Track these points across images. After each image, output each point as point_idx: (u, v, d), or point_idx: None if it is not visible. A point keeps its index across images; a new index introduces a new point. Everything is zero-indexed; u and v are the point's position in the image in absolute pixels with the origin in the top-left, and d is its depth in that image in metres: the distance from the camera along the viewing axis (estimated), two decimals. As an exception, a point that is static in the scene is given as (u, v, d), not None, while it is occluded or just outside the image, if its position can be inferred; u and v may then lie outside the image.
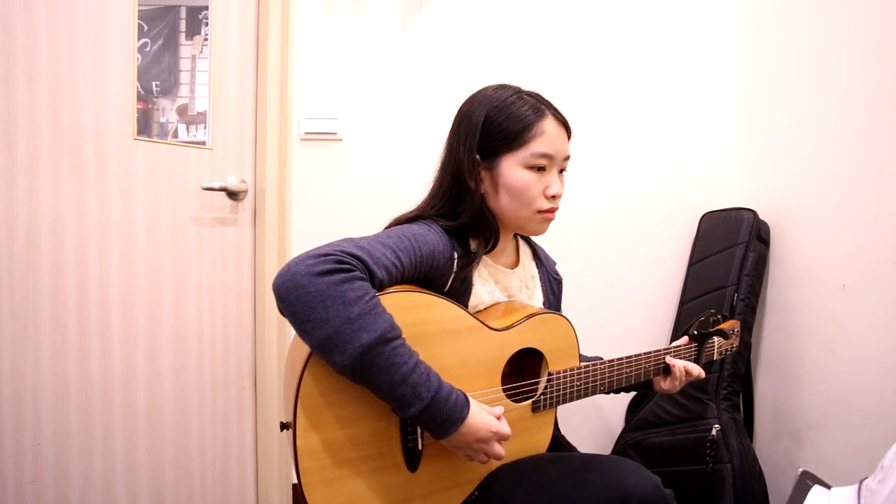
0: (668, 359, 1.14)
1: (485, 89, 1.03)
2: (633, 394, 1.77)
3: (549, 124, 0.99)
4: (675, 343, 1.19)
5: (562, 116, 1.02)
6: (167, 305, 1.43)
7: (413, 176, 1.53)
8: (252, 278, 1.61)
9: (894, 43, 1.30)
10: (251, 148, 1.60)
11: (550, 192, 1.00)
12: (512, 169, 0.98)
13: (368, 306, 0.79)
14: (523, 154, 0.97)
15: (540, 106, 0.99)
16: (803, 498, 1.03)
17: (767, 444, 1.66)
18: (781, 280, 1.63)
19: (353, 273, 0.80)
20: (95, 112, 1.29)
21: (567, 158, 1.03)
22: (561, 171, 1.03)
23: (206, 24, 1.51)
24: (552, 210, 1.01)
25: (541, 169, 0.99)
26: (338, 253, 0.81)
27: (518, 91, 1.01)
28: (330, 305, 0.77)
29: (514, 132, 0.97)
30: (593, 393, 1.07)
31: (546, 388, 1.02)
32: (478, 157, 0.98)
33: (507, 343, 0.98)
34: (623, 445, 1.70)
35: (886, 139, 1.31)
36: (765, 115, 1.74)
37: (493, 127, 0.98)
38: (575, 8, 1.76)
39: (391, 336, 0.80)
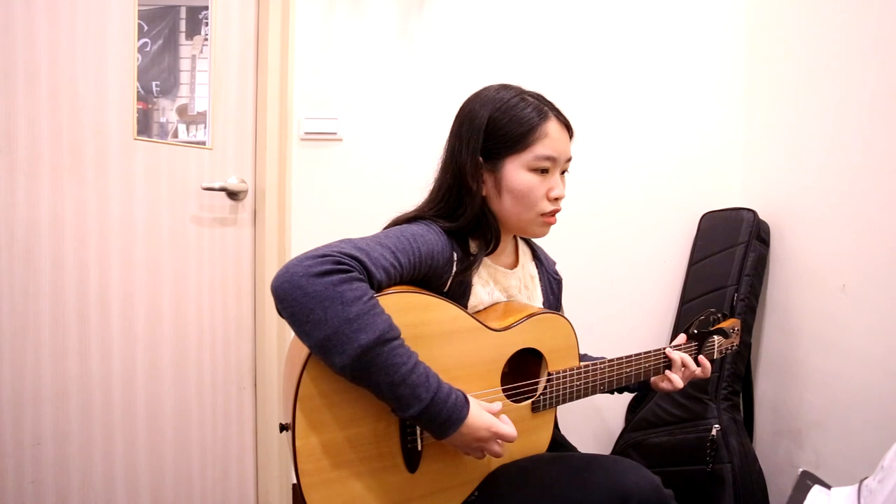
0: (669, 350, 1.13)
1: (486, 90, 1.02)
2: (633, 394, 1.76)
3: (552, 126, 0.98)
4: (674, 342, 1.19)
5: (564, 118, 1.02)
6: (167, 305, 1.43)
7: (413, 176, 1.53)
8: (252, 278, 1.61)
9: (894, 43, 1.30)
10: (251, 148, 1.60)
11: (553, 194, 1.00)
12: (516, 171, 0.98)
13: (367, 307, 0.79)
14: (527, 157, 0.97)
15: (543, 108, 0.99)
16: (803, 498, 1.03)
17: (767, 444, 1.66)
18: (781, 280, 1.63)
19: (352, 274, 0.80)
20: (95, 112, 1.29)
21: (569, 160, 1.03)
22: (562, 172, 1.03)
23: (206, 24, 1.51)
24: (554, 212, 1.01)
25: (544, 171, 0.99)
26: (336, 254, 0.81)
27: (521, 92, 1.01)
28: (328, 306, 0.77)
29: (517, 135, 0.97)
30: (593, 393, 1.07)
31: (546, 388, 1.02)
32: (480, 159, 0.98)
33: (506, 343, 0.98)
34: (623, 445, 1.70)
35: (886, 139, 1.31)
36: (765, 114, 1.74)
37: (497, 129, 0.97)
38: (575, 7, 1.76)
39: (390, 336, 0.80)
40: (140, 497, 1.39)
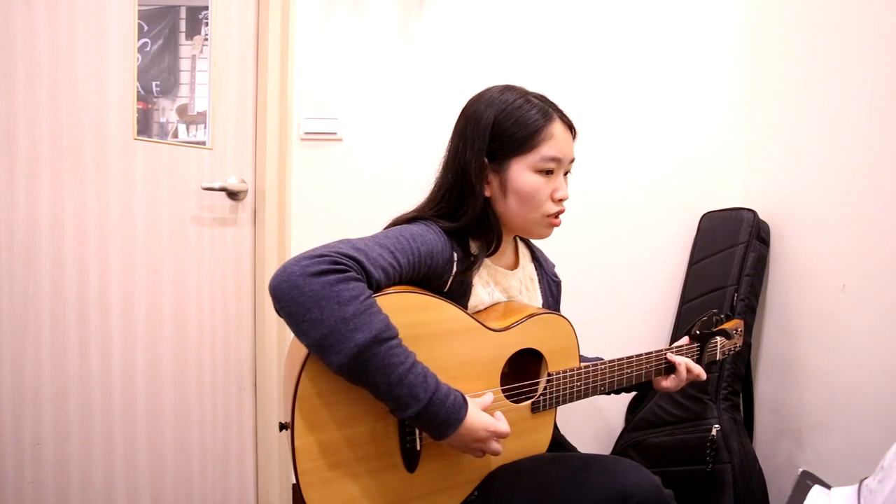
0: (671, 355, 1.13)
1: (490, 90, 1.02)
2: (633, 394, 1.76)
3: (557, 128, 0.99)
4: (676, 343, 1.18)
5: (568, 119, 1.02)
6: (167, 305, 1.43)
7: (413, 176, 1.53)
8: (252, 278, 1.61)
9: (894, 43, 1.30)
10: (251, 148, 1.60)
11: (558, 195, 1.00)
12: (521, 173, 0.98)
13: (363, 306, 0.79)
14: (533, 158, 0.98)
15: (547, 109, 0.99)
16: (803, 498, 1.03)
17: (767, 444, 1.66)
18: (781, 280, 1.63)
19: (349, 273, 0.80)
20: (95, 112, 1.29)
21: (572, 161, 1.03)
22: (565, 173, 1.03)
23: (206, 24, 1.51)
24: (559, 213, 1.02)
25: (549, 172, 0.99)
26: (333, 254, 0.81)
27: (525, 93, 1.01)
28: (325, 305, 0.77)
29: (523, 136, 0.97)
30: (594, 394, 1.07)
31: (545, 388, 1.01)
32: (486, 160, 0.98)
33: (506, 343, 0.98)
34: (623, 445, 1.70)
35: (886, 139, 1.31)
36: (765, 114, 1.73)
37: (502, 131, 0.97)
38: (575, 7, 1.76)
39: (387, 336, 0.80)
40: (140, 497, 1.39)
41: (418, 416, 0.82)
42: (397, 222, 1.01)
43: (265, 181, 1.57)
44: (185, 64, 1.52)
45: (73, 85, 1.26)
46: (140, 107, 1.39)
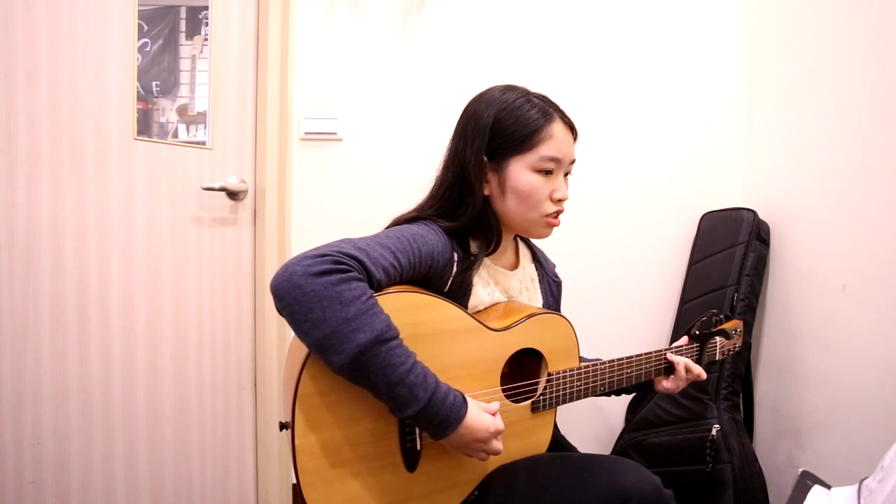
0: (670, 355, 1.13)
1: (491, 90, 1.02)
2: (631, 395, 1.76)
3: (557, 128, 0.99)
4: (675, 343, 1.18)
5: (569, 120, 1.02)
6: (167, 305, 1.43)
7: (413, 176, 1.53)
8: (252, 278, 1.61)
9: (894, 43, 1.30)
10: (251, 148, 1.60)
11: (557, 195, 1.00)
12: (520, 172, 0.98)
13: (365, 306, 0.79)
14: (532, 157, 0.98)
15: (548, 109, 0.99)
16: (803, 498, 1.03)
17: (767, 444, 1.66)
18: (781, 280, 1.63)
19: (351, 273, 0.80)
20: (95, 112, 1.29)
21: (573, 162, 1.03)
22: (566, 174, 1.03)
23: (206, 24, 1.51)
24: (557, 213, 1.02)
25: (548, 172, 0.99)
26: (335, 253, 0.81)
27: (526, 93, 1.01)
28: (327, 305, 0.77)
29: (523, 135, 0.97)
30: (593, 394, 1.07)
31: (545, 388, 1.01)
32: (485, 158, 0.98)
33: (506, 343, 0.98)
34: (623, 445, 1.70)
35: (886, 139, 1.31)
36: (765, 114, 1.74)
37: (502, 129, 0.98)
38: (575, 8, 1.76)
39: (388, 336, 0.80)
40: (140, 497, 1.39)
41: (418, 416, 0.82)
42: (398, 222, 1.01)
43: (265, 181, 1.58)
44: (185, 64, 1.52)
45: (73, 85, 1.26)
46: (140, 107, 1.39)
